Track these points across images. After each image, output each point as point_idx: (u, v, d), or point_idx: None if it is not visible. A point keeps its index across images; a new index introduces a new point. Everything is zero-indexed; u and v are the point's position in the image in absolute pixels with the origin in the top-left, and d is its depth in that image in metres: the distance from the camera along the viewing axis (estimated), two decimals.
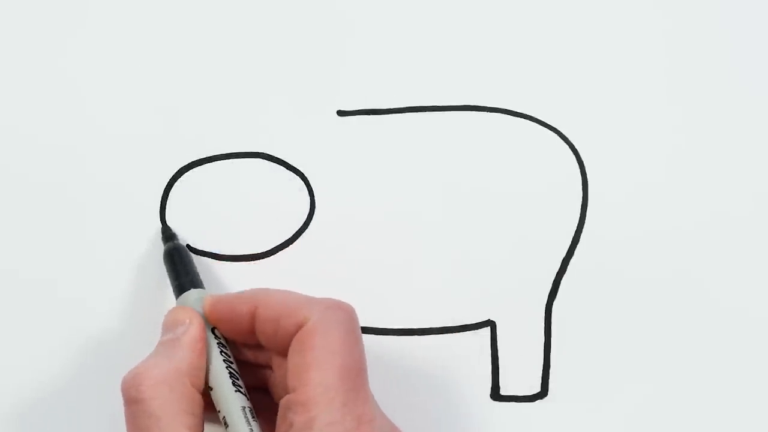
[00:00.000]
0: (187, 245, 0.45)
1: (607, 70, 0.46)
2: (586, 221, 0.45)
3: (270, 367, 0.40)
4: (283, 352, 0.38)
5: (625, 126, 0.46)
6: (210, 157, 0.45)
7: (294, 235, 0.45)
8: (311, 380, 0.36)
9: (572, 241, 0.45)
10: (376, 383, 0.45)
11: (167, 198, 0.45)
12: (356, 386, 0.36)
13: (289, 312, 0.37)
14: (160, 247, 0.45)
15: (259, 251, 0.45)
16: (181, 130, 0.46)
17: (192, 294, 0.41)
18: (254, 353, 0.40)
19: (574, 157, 0.46)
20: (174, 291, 0.42)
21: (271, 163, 0.45)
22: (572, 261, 0.45)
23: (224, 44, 0.46)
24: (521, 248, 0.45)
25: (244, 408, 0.37)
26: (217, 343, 0.39)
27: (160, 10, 0.46)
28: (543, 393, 0.44)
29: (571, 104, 0.46)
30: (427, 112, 0.46)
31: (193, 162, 0.45)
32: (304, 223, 0.45)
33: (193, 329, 0.39)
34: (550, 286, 0.45)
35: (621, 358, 0.45)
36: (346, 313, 0.38)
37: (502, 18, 0.47)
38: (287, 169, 0.45)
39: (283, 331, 0.37)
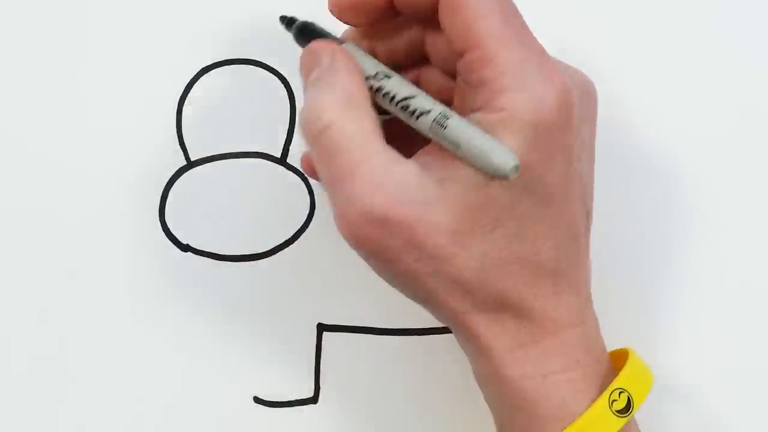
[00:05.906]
0: (187, 245, 0.45)
1: (606, 71, 0.46)
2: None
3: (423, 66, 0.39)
4: (430, 22, 0.36)
5: (624, 126, 0.46)
6: (209, 156, 0.45)
7: (294, 235, 0.45)
8: (480, 32, 0.34)
9: None
10: (376, 382, 0.45)
11: (167, 198, 0.45)
12: (522, 24, 0.35)
13: None
14: (159, 248, 0.45)
15: (259, 251, 0.45)
16: (181, 130, 0.46)
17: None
18: (406, 52, 0.39)
19: None
20: None
21: (271, 163, 0.45)
22: None
23: (224, 44, 0.46)
24: None
25: (410, 97, 0.35)
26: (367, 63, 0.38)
27: (160, 9, 0.46)
28: None
29: None
30: None
31: (193, 162, 0.45)
32: (304, 223, 0.45)
33: (337, 53, 0.37)
34: None
35: None
36: None
37: None
38: (287, 169, 0.45)
39: None
